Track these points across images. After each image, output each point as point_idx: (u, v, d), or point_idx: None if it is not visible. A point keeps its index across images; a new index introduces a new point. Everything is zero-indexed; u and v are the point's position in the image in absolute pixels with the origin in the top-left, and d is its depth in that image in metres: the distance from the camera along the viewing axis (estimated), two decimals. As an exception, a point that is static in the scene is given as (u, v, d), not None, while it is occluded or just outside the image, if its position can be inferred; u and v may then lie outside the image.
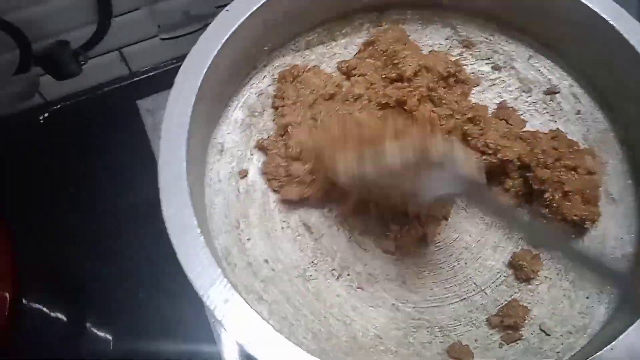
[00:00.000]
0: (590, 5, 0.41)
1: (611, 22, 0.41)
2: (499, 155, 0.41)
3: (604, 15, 0.41)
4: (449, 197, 0.38)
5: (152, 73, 0.69)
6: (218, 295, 0.33)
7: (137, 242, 0.61)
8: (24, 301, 0.59)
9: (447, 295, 0.40)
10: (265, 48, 0.46)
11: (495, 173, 0.43)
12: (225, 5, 0.42)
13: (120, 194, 0.63)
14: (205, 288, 0.33)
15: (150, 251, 0.59)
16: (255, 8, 0.41)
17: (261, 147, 0.45)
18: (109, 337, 0.58)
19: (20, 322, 0.57)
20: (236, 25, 0.40)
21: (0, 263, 0.57)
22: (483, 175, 0.38)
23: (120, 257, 0.60)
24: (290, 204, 0.43)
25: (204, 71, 0.39)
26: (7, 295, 0.56)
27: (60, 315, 0.60)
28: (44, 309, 0.60)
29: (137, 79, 0.69)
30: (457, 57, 0.48)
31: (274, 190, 0.43)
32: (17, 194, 0.63)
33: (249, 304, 0.33)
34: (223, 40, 0.40)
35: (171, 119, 0.37)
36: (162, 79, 0.68)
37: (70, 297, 0.61)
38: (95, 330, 0.59)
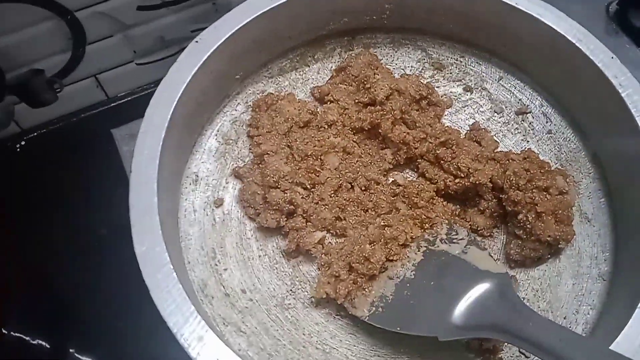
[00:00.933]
0: (553, 26, 0.42)
1: (575, 43, 0.41)
2: (471, 179, 0.41)
3: (568, 36, 0.42)
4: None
5: (130, 98, 0.68)
6: (192, 334, 0.32)
7: (117, 269, 0.60)
8: (4, 330, 0.58)
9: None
10: (237, 76, 0.46)
11: (470, 195, 0.43)
12: (200, 29, 0.42)
13: (98, 221, 0.62)
14: (179, 326, 0.33)
15: (131, 277, 0.58)
16: (224, 39, 0.41)
17: (237, 175, 0.45)
18: None
19: (1, 351, 0.56)
20: (205, 56, 0.40)
21: (-22, 294, 0.56)
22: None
23: (101, 283, 0.60)
24: (267, 231, 0.43)
25: (174, 103, 0.39)
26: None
27: (42, 342, 0.59)
28: (25, 337, 0.59)
29: (115, 104, 0.68)
30: (429, 80, 0.49)
31: (251, 218, 0.43)
32: (-4, 223, 0.62)
33: (225, 338, 0.33)
34: (193, 72, 0.40)
35: (142, 153, 0.37)
36: (139, 104, 0.67)
37: (52, 323, 0.60)
38: (78, 356, 0.58)
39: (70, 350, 0.58)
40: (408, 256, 0.41)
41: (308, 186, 0.43)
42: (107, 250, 0.61)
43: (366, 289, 0.40)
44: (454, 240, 0.41)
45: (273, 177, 0.42)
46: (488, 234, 0.43)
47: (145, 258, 0.34)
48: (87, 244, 0.61)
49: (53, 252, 0.61)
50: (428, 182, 0.44)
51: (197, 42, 0.41)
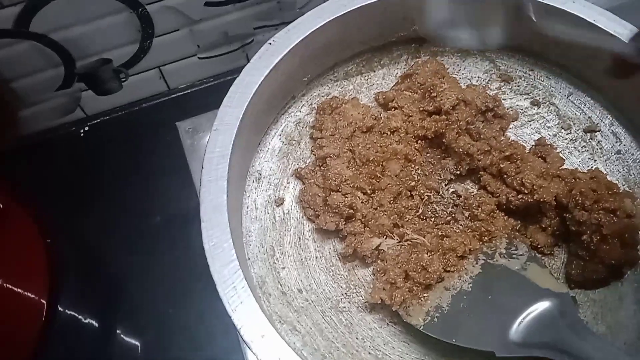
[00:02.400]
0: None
1: (654, 64, 0.40)
2: (535, 196, 0.41)
3: (646, 56, 0.41)
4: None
5: (189, 90, 0.70)
6: (255, 330, 0.33)
7: (168, 256, 0.62)
8: (60, 308, 0.60)
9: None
10: (305, 79, 0.47)
11: (532, 211, 0.43)
12: (263, 27, 0.43)
13: (155, 210, 0.64)
14: (243, 322, 0.33)
15: (182, 265, 0.60)
16: (297, 41, 0.42)
17: (298, 176, 0.45)
18: (137, 344, 0.59)
19: (54, 329, 0.59)
20: (279, 59, 0.41)
21: (37, 271, 0.59)
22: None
23: (152, 269, 0.62)
24: (324, 233, 0.44)
25: (247, 103, 0.39)
26: (44, 302, 0.58)
27: (93, 322, 0.61)
28: (78, 316, 0.61)
29: (175, 95, 0.70)
30: (496, 92, 0.48)
31: (309, 219, 0.44)
32: (55, 203, 0.64)
33: (283, 337, 0.34)
34: (265, 73, 0.40)
35: (213, 151, 0.38)
36: (199, 97, 0.69)
37: (104, 305, 0.62)
38: (124, 337, 0.60)
39: (117, 332, 0.60)
40: (466, 268, 0.41)
41: (368, 191, 0.43)
42: (160, 238, 0.62)
43: (422, 298, 0.40)
44: (514, 256, 0.41)
45: (335, 181, 0.42)
46: (549, 252, 0.42)
47: (214, 253, 0.35)
48: (142, 230, 0.63)
49: (109, 236, 0.63)
50: (489, 195, 0.44)
51: (270, 44, 0.42)
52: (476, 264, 0.41)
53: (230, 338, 0.56)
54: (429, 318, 0.39)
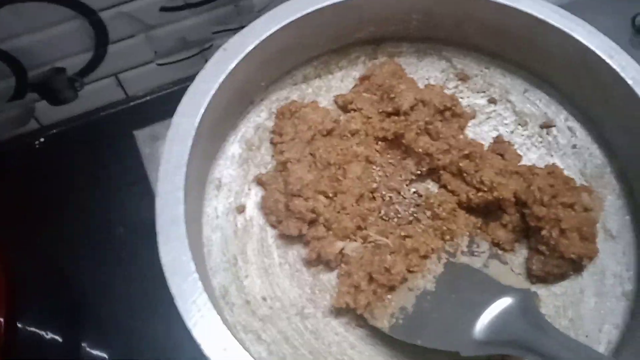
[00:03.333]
0: (584, 41, 0.42)
1: (606, 59, 0.41)
2: (495, 194, 0.41)
3: (598, 52, 0.41)
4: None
5: (149, 97, 0.69)
6: (216, 344, 0.33)
7: (132, 267, 0.61)
8: (19, 324, 0.58)
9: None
10: (262, 83, 0.46)
11: (492, 208, 0.43)
12: (222, 31, 0.42)
13: (115, 220, 0.62)
14: (203, 336, 0.33)
15: (146, 276, 0.59)
16: (252, 47, 0.41)
17: (260, 182, 0.45)
18: (105, 356, 0.58)
19: (15, 346, 0.57)
20: (233, 65, 0.40)
21: (-4, 288, 0.57)
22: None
23: (116, 280, 0.60)
24: (288, 239, 0.43)
25: (201, 112, 0.39)
26: (2, 320, 0.56)
27: (55, 337, 0.59)
28: (39, 332, 0.59)
29: (134, 103, 0.69)
30: (453, 91, 0.48)
31: (272, 226, 0.43)
32: (11, 218, 0.62)
33: (247, 347, 0.33)
34: (220, 80, 0.40)
35: (169, 161, 0.37)
36: (158, 104, 0.68)
37: (66, 318, 0.60)
38: (91, 351, 0.58)
39: (83, 345, 0.58)
40: (429, 268, 0.41)
41: (330, 195, 0.43)
42: (123, 249, 0.61)
43: (386, 300, 0.40)
44: (475, 253, 0.41)
45: (296, 186, 0.42)
46: (510, 248, 0.43)
47: (172, 267, 0.34)
48: (104, 241, 0.62)
49: (70, 249, 0.61)
50: (450, 194, 0.44)
51: (224, 50, 0.41)
52: (439, 263, 0.41)
53: (197, 348, 0.56)
54: (394, 320, 0.39)
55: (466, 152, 0.44)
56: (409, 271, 0.40)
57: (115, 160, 0.64)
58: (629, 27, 0.57)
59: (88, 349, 0.58)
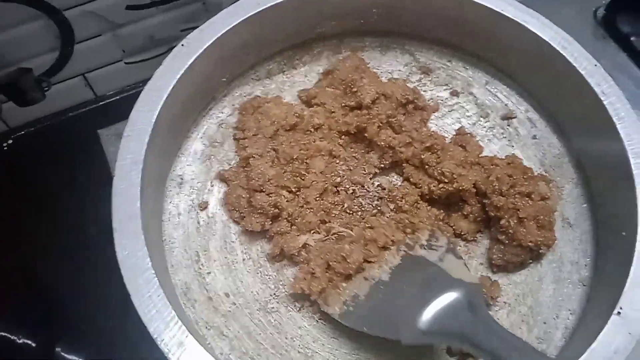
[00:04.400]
0: (539, 33, 0.42)
1: (560, 50, 0.42)
2: (455, 185, 0.41)
3: (552, 44, 0.42)
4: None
5: (118, 97, 0.68)
6: (172, 339, 0.33)
7: (105, 268, 0.60)
8: (-11, 330, 0.58)
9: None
10: (224, 79, 0.46)
11: (454, 199, 0.43)
12: (191, 28, 0.42)
13: (87, 221, 0.62)
14: (159, 331, 0.33)
15: (120, 277, 0.59)
16: (210, 42, 0.41)
17: (222, 179, 0.45)
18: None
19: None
20: (191, 60, 0.40)
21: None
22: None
23: (89, 282, 0.60)
24: (251, 234, 0.43)
25: (159, 107, 0.39)
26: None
27: (28, 342, 0.59)
28: (11, 337, 0.59)
29: (103, 102, 0.68)
30: (416, 84, 0.49)
31: (235, 222, 0.43)
32: (-18, 221, 0.62)
33: (207, 342, 0.33)
34: (178, 76, 0.40)
35: (125, 158, 0.37)
36: (128, 103, 0.66)
37: (38, 322, 0.60)
38: (65, 355, 0.58)
39: (57, 349, 0.58)
40: (387, 259, 0.41)
41: (293, 190, 0.43)
42: (95, 250, 0.60)
43: (340, 288, 0.39)
44: (433, 247, 0.41)
45: (258, 181, 0.42)
46: (472, 238, 0.43)
47: (127, 263, 0.34)
48: (76, 243, 0.61)
49: (41, 251, 0.60)
50: (413, 187, 0.44)
51: (183, 45, 0.41)
52: (397, 255, 0.41)
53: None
54: (345, 307, 0.39)
55: (428, 144, 0.44)
56: (367, 261, 0.40)
57: (85, 160, 0.63)
58: (591, 19, 0.58)
59: (63, 353, 0.58)
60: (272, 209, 0.42)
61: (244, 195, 0.43)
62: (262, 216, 0.42)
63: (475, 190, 0.42)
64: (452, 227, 0.43)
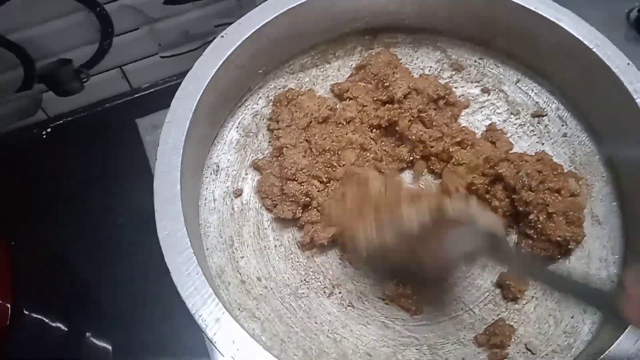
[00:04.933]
0: (571, 31, 0.43)
1: (592, 48, 0.42)
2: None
3: (585, 42, 0.42)
4: (470, 256, 0.38)
5: (153, 89, 0.70)
6: (209, 315, 0.34)
7: (136, 258, 0.61)
8: (25, 311, 0.60)
9: (435, 314, 0.41)
10: (260, 71, 0.48)
11: (483, 194, 0.44)
12: (224, 24, 0.43)
13: (119, 209, 0.64)
14: (197, 307, 0.34)
15: (149, 265, 0.60)
16: (249, 34, 0.42)
17: (256, 167, 0.46)
18: (108, 347, 0.59)
19: (21, 332, 0.58)
20: (230, 51, 0.42)
21: (0, 275, 0.58)
22: (502, 228, 0.38)
23: (119, 270, 0.61)
24: (283, 222, 0.44)
25: (199, 96, 0.40)
26: (9, 305, 0.57)
27: (60, 325, 0.61)
28: (44, 319, 0.60)
29: (138, 95, 0.70)
30: (447, 80, 0.49)
31: (268, 209, 0.45)
32: (18, 207, 0.64)
33: (240, 322, 0.34)
34: (217, 66, 0.41)
35: (166, 143, 0.38)
36: (162, 96, 0.69)
37: (70, 307, 0.61)
38: (95, 341, 0.59)
39: (87, 334, 0.59)
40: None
41: (324, 180, 0.44)
42: (126, 238, 0.62)
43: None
44: None
45: (290, 170, 0.43)
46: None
47: (167, 242, 0.35)
48: (108, 231, 0.62)
49: (75, 238, 0.62)
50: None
51: (222, 37, 0.42)
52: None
53: (197, 338, 0.56)
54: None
55: (458, 139, 0.45)
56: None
57: (120, 150, 0.65)
58: (624, 21, 0.58)
59: (92, 339, 0.59)
60: (304, 197, 0.43)
61: (276, 184, 0.44)
62: (293, 204, 0.43)
63: (502, 184, 0.43)
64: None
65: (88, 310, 0.60)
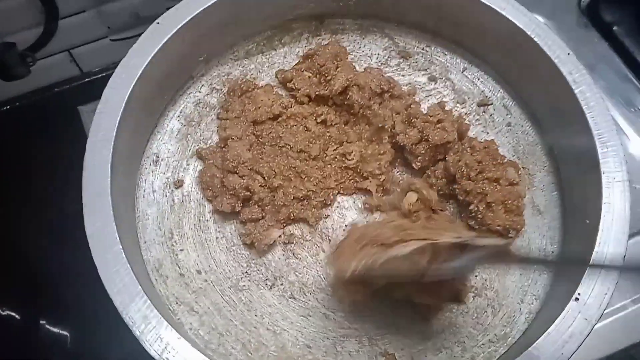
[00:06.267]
0: (513, 20, 0.42)
1: (533, 38, 0.42)
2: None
3: (526, 31, 0.42)
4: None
5: (104, 74, 0.68)
6: (137, 313, 0.33)
7: (86, 244, 0.61)
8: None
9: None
10: (201, 58, 0.46)
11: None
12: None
13: (69, 197, 0.62)
14: (124, 305, 0.33)
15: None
16: (186, 21, 0.41)
17: (200, 156, 0.45)
18: (66, 334, 0.58)
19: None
20: (166, 38, 0.41)
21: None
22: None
23: (72, 258, 0.60)
24: (225, 214, 0.44)
25: (132, 85, 0.39)
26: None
27: (12, 313, 0.60)
28: (-5, 309, 0.59)
29: (89, 79, 0.68)
30: (395, 68, 0.49)
31: (208, 200, 0.44)
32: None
33: (176, 317, 0.34)
34: (152, 54, 0.40)
35: (96, 134, 0.37)
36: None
37: (23, 296, 0.60)
38: (50, 328, 0.59)
39: (42, 322, 0.58)
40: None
41: (266, 176, 0.43)
42: (77, 226, 0.61)
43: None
44: None
45: (232, 162, 0.42)
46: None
47: (96, 238, 0.35)
48: (58, 219, 0.61)
49: (24, 227, 0.61)
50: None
51: (158, 23, 0.41)
52: None
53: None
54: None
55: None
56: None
57: (70, 136, 0.64)
58: (575, 7, 0.58)
59: (48, 326, 0.58)
60: (244, 191, 0.42)
61: (218, 175, 0.43)
62: (233, 197, 0.42)
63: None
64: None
65: (42, 298, 0.60)
